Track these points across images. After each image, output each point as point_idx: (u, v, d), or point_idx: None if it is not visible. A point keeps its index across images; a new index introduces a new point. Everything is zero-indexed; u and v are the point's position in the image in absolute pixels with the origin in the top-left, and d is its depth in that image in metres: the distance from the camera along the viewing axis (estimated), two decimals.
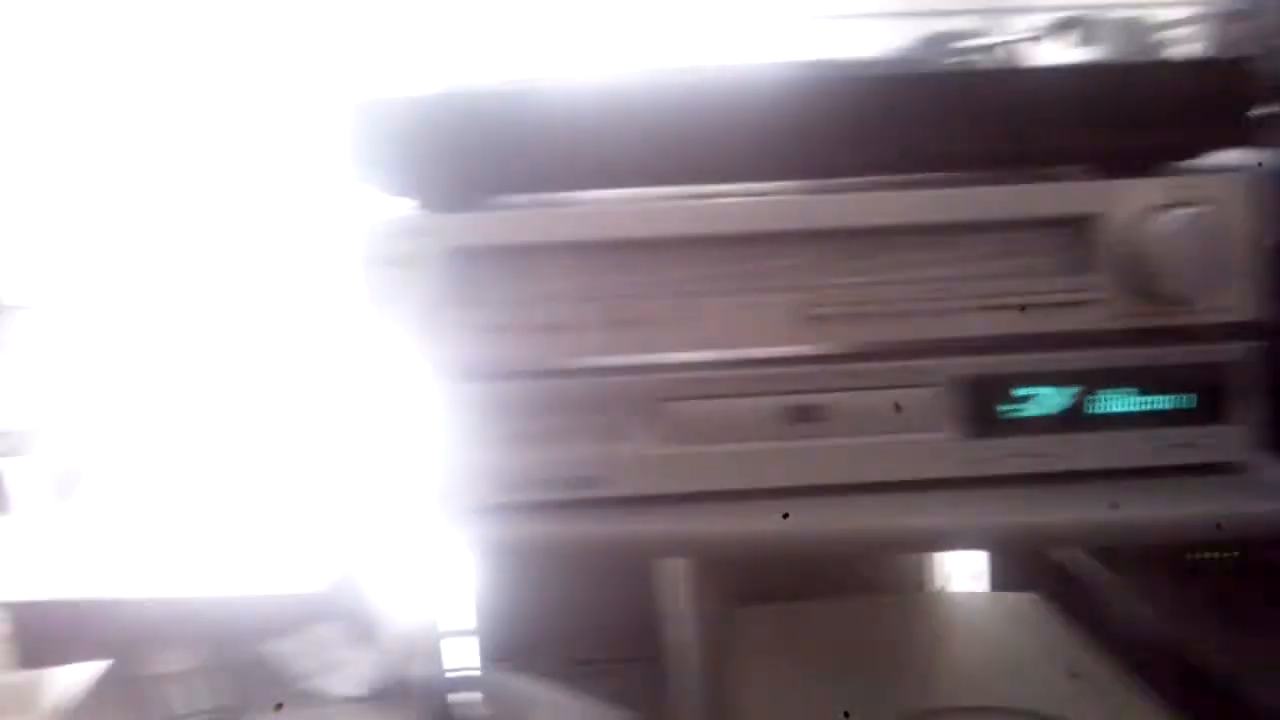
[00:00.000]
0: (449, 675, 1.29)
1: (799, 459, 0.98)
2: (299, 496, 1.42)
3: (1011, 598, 1.39)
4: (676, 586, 1.18)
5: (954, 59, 0.97)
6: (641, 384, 0.97)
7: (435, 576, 1.26)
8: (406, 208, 1.01)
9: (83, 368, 2.37)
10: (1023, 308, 0.97)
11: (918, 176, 0.98)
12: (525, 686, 1.31)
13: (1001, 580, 1.60)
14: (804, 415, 0.98)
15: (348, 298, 0.98)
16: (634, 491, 0.98)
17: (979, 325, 0.96)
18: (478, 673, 1.37)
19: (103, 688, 1.16)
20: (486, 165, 0.98)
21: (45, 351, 2.25)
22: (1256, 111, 0.96)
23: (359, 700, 1.10)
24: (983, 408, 0.97)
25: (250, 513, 1.36)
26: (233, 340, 2.67)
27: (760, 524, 0.97)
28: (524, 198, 1.02)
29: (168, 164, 2.76)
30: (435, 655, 1.19)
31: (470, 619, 1.43)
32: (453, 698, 1.29)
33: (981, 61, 0.99)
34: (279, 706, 1.01)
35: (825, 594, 1.29)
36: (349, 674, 1.13)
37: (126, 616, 1.13)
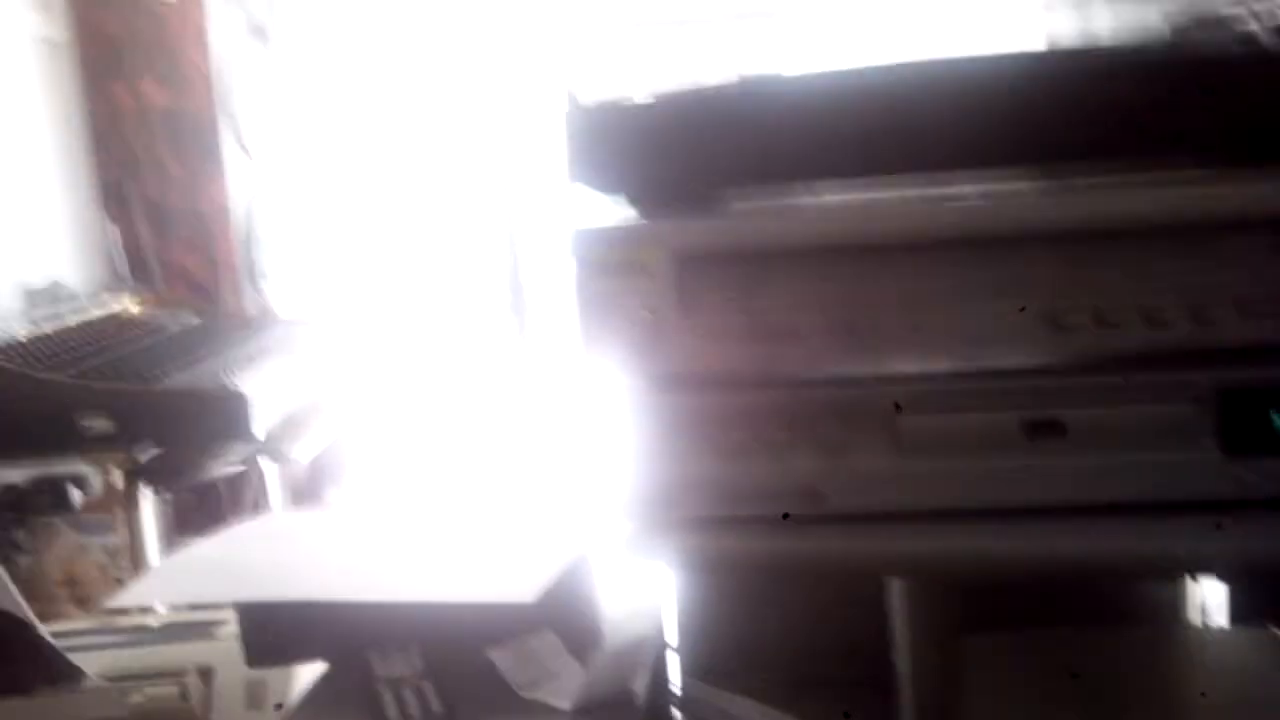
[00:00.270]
0: (668, 690, 1.22)
1: (1039, 476, 0.88)
2: (516, 503, 1.38)
3: (1255, 633, 1.25)
4: (901, 608, 1.09)
5: (1225, 36, 0.86)
6: (873, 395, 0.88)
7: (652, 589, 1.19)
8: (627, 212, 0.95)
9: (339, 377, 2.43)
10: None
11: (1176, 173, 0.87)
12: (739, 704, 1.23)
13: (1241, 613, 1.44)
14: (1046, 430, 0.88)
15: (567, 305, 0.93)
16: (860, 508, 0.89)
17: (1247, 332, 0.85)
18: (687, 688, 1.30)
19: (323, 689, 1.14)
20: (710, 166, 0.92)
21: (310, 361, 2.30)
22: None
23: (576, 713, 1.05)
24: (1254, 423, 0.85)
25: (472, 519, 1.32)
26: (463, 349, 2.71)
27: (993, 544, 0.87)
28: (748, 200, 0.95)
29: (407, 175, 2.81)
30: (654, 669, 1.13)
31: (673, 633, 1.36)
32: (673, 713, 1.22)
33: (1255, 39, 0.87)
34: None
35: (1066, 622, 1.17)
36: (565, 685, 1.08)
37: (349, 619, 1.11)
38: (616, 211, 0.95)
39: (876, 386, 0.89)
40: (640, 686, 1.09)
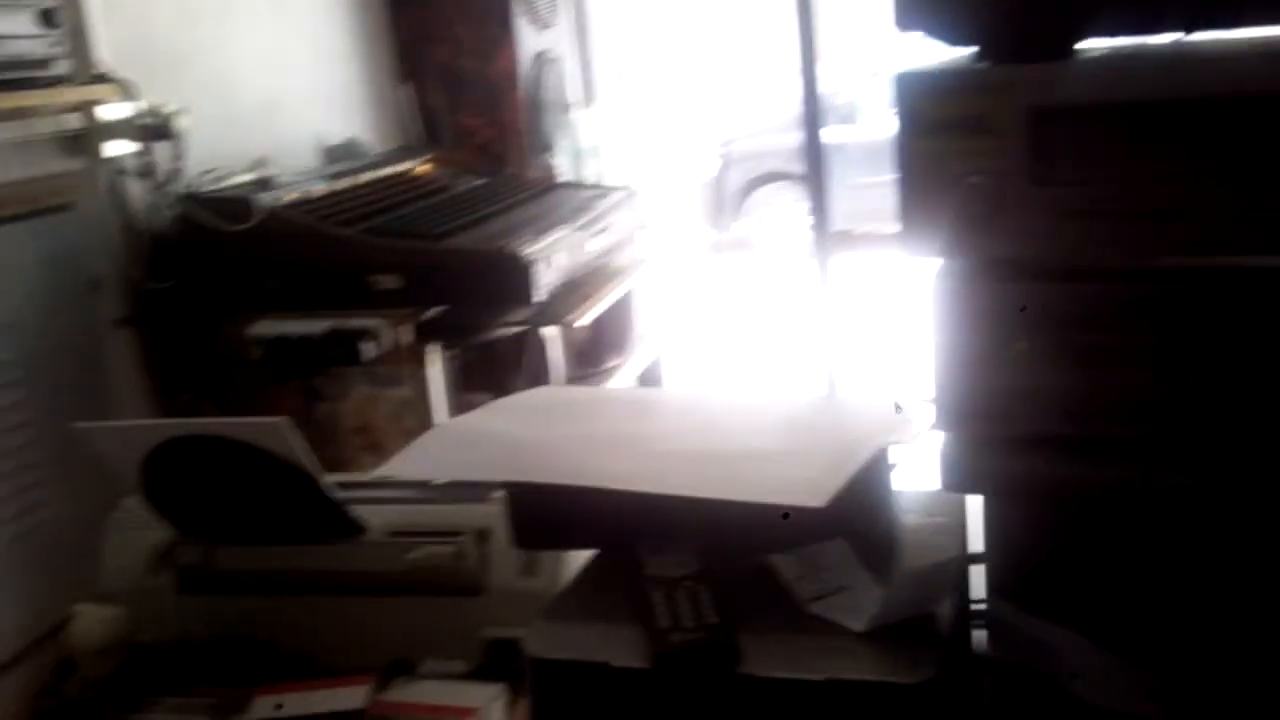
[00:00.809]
0: (973, 611, 1.03)
1: None
2: (812, 395, 1.20)
3: None
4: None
5: None
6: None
7: (957, 497, 0.99)
8: (966, 58, 0.74)
9: (625, 244, 2.32)
10: None
11: None
12: (1050, 631, 1.03)
13: None
14: None
15: (890, 168, 0.73)
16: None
17: None
18: (993, 609, 1.10)
19: (590, 579, 1.02)
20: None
21: (596, 227, 2.20)
22: None
23: (866, 633, 0.87)
24: None
25: (761, 410, 1.16)
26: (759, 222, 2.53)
27: None
28: (1116, 44, 0.72)
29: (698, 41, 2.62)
30: (957, 588, 0.94)
31: (980, 546, 1.15)
32: (977, 636, 1.03)
33: None
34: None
35: None
36: (857, 601, 0.91)
37: (621, 509, 0.97)
38: (953, 56, 0.74)
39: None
40: (945, 609, 0.90)
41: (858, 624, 0.89)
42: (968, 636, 1.02)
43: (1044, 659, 1.02)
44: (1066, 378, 0.68)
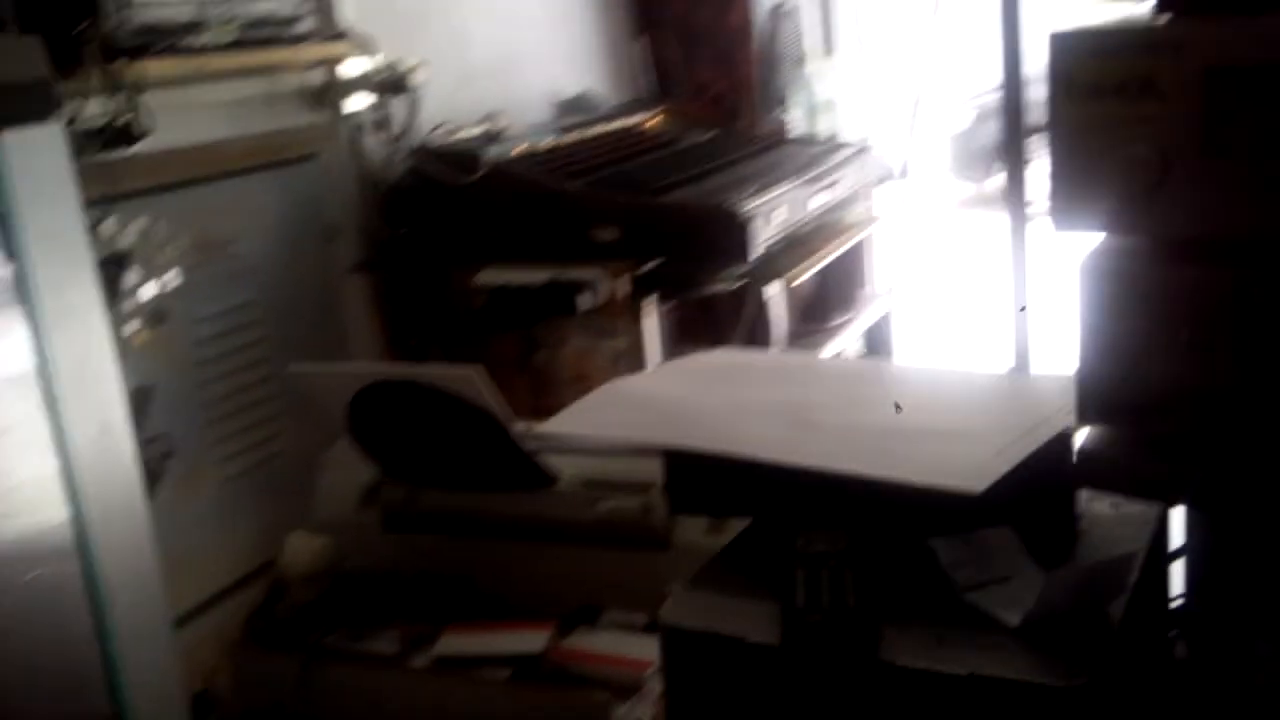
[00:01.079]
0: (1164, 611, 0.94)
1: None
2: (991, 374, 1.13)
3: None
4: None
5: None
6: None
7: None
8: (1134, 13, 0.66)
9: (850, 201, 2.26)
10: None
11: None
12: (1259, 642, 0.93)
13: None
14: None
15: (1040, 140, 0.67)
16: None
17: None
18: (1193, 610, 1.01)
19: (740, 550, 1.00)
20: None
21: (821, 183, 2.15)
22: None
23: (1023, 629, 0.82)
24: None
25: (940, 386, 1.09)
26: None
27: None
28: None
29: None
30: (1143, 588, 0.86)
31: (1178, 539, 1.05)
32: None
33: None
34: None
35: None
36: (1015, 594, 0.85)
37: (777, 481, 0.93)
38: (1116, 12, 0.67)
39: None
40: (1118, 608, 0.83)
41: (1013, 617, 0.83)
42: (1153, 638, 0.94)
43: (1241, 666, 0.93)
44: (1232, 373, 0.61)
